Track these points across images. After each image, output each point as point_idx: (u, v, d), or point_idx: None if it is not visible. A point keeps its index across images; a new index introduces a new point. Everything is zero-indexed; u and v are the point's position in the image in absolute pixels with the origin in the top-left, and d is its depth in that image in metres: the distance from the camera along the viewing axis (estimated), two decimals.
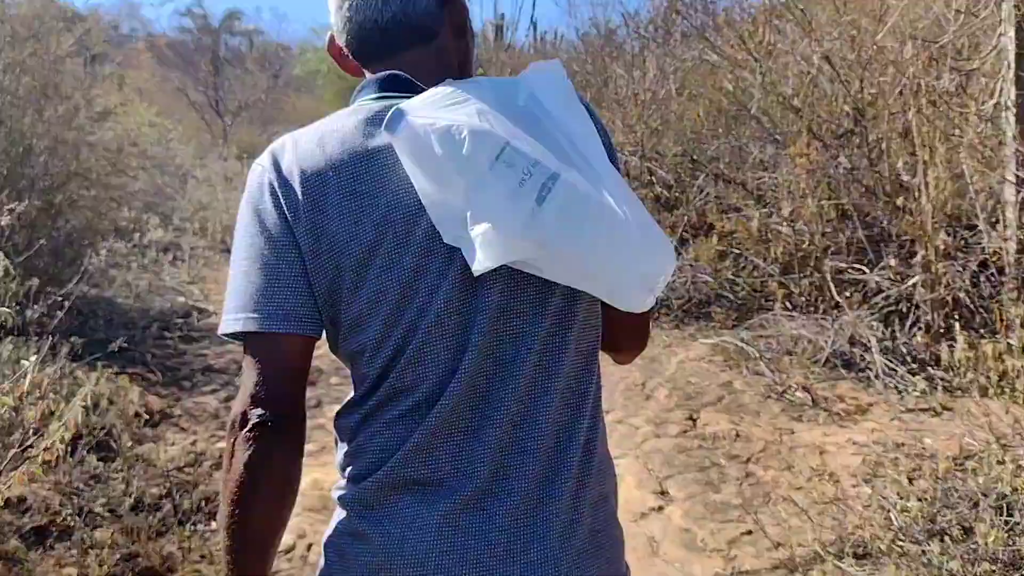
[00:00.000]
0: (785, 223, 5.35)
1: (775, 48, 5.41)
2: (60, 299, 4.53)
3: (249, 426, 0.95)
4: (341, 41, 1.08)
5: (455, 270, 0.94)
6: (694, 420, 3.85)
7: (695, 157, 6.74)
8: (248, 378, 0.97)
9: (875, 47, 4.81)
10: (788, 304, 5.13)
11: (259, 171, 1.01)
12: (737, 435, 3.61)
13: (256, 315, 0.96)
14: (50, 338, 4.01)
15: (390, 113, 0.92)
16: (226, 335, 0.99)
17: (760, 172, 6.12)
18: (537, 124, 0.95)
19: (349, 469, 1.01)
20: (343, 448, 1.03)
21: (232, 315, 0.97)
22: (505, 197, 0.88)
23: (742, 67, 5.31)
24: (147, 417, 4.04)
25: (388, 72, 1.02)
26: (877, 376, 4.21)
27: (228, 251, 7.10)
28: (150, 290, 6.82)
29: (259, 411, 0.95)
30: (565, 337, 0.99)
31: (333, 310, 0.98)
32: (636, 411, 3.99)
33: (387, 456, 0.96)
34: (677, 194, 6.40)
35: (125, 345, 5.18)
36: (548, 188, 0.89)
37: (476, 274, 0.90)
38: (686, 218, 5.81)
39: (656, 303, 1.23)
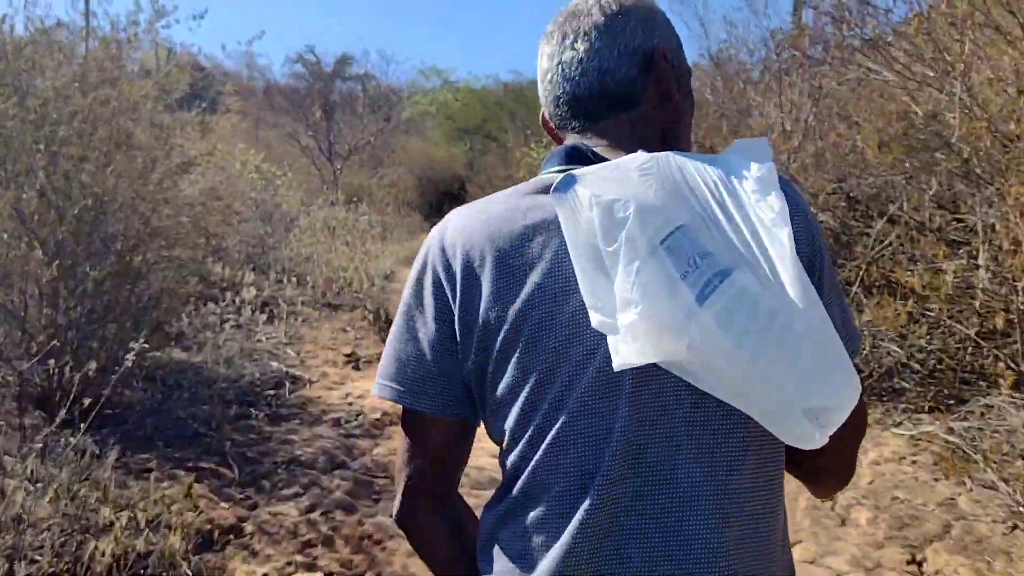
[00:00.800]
0: (992, 275, 4.25)
1: (970, 61, 4.35)
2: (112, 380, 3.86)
3: (398, 504, 1.03)
4: (546, 113, 1.07)
5: (599, 358, 0.85)
6: (919, 564, 2.82)
7: (851, 194, 5.69)
8: (399, 450, 1.04)
9: None
10: (1003, 380, 4.01)
11: (427, 244, 1.01)
12: None
13: (396, 386, 0.99)
14: (87, 437, 3.32)
15: (562, 177, 0.87)
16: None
17: (944, 212, 5.03)
18: (724, 210, 0.84)
19: (487, 570, 0.95)
20: (482, 542, 0.98)
21: (379, 379, 1.00)
22: (663, 288, 0.78)
23: (932, 86, 4.26)
24: (214, 532, 3.31)
25: (570, 144, 0.99)
26: None
27: (329, 306, 6.40)
28: (242, 354, 6.24)
29: (402, 487, 1.01)
30: (731, 450, 0.85)
31: (480, 392, 0.96)
32: (831, 544, 2.99)
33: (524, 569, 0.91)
34: (846, 239, 5.35)
35: (202, 431, 4.56)
36: (713, 286, 0.78)
37: (617, 369, 0.81)
38: (860, 270, 4.75)
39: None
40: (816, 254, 0.92)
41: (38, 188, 4.39)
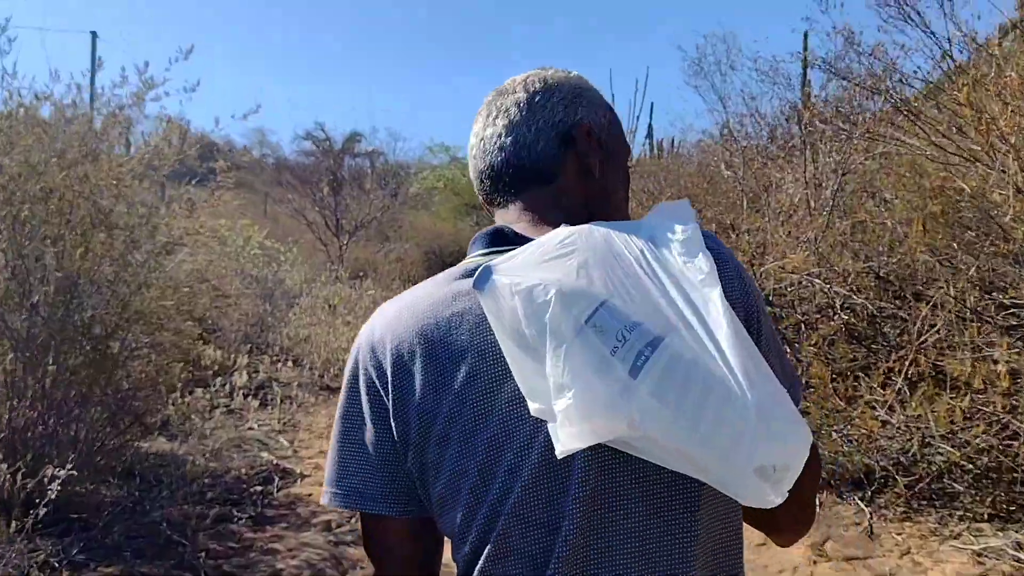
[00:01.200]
0: None
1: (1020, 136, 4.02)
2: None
3: None
4: (475, 188, 1.08)
5: (540, 444, 0.83)
6: None
7: (881, 274, 5.32)
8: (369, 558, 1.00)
9: None
10: None
11: (356, 344, 0.99)
12: None
13: (338, 491, 0.96)
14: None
15: (479, 270, 0.85)
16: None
17: (984, 295, 4.64)
18: (652, 275, 0.83)
19: None
20: None
21: (326, 487, 0.98)
22: (592, 368, 0.76)
23: (980, 161, 3.93)
24: None
25: (494, 226, 0.99)
26: None
27: (327, 389, 6.00)
28: (230, 444, 5.82)
29: None
30: (684, 524, 0.84)
31: (424, 488, 0.93)
32: None
33: None
34: (882, 323, 4.95)
35: (176, 538, 4.10)
36: (645, 357, 0.76)
37: (559, 456, 0.78)
38: (904, 361, 4.33)
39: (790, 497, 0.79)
40: (752, 307, 0.91)
41: (10, 271, 4.06)
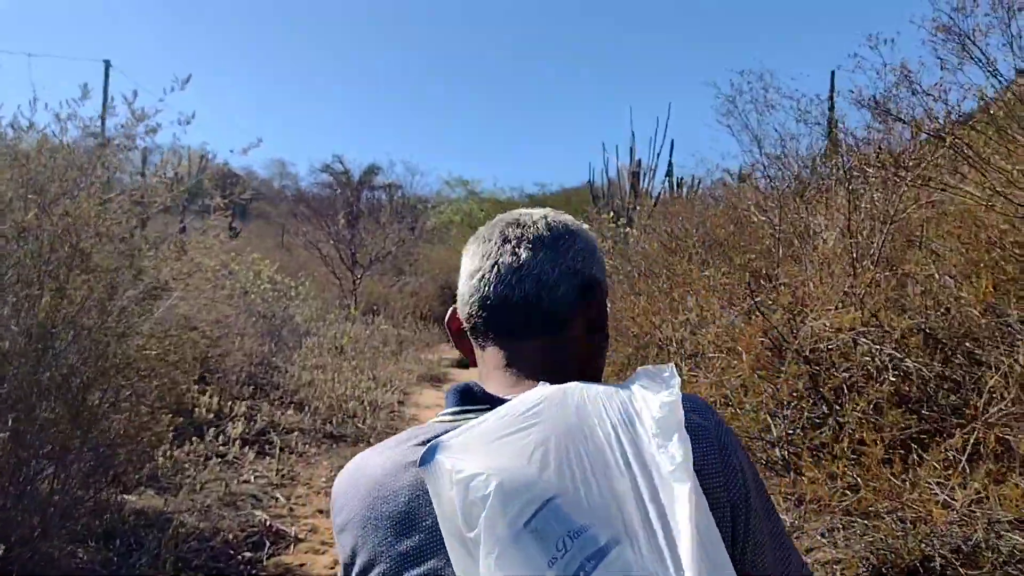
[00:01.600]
0: None
1: None
2: None
3: None
4: (462, 314, 1.00)
5: None
6: None
7: (929, 331, 4.87)
8: None
9: None
10: None
11: (332, 495, 0.93)
12: None
13: None
14: None
15: (427, 447, 0.78)
16: None
17: None
18: (618, 460, 0.74)
19: None
20: None
21: None
22: None
23: None
24: None
25: (464, 384, 0.92)
26: None
27: (330, 437, 5.55)
28: (222, 502, 5.40)
29: None
30: None
31: None
32: None
33: None
34: (935, 388, 4.50)
35: None
36: (586, 572, 0.67)
37: None
38: (967, 438, 3.87)
39: None
40: (738, 499, 0.81)
41: None
